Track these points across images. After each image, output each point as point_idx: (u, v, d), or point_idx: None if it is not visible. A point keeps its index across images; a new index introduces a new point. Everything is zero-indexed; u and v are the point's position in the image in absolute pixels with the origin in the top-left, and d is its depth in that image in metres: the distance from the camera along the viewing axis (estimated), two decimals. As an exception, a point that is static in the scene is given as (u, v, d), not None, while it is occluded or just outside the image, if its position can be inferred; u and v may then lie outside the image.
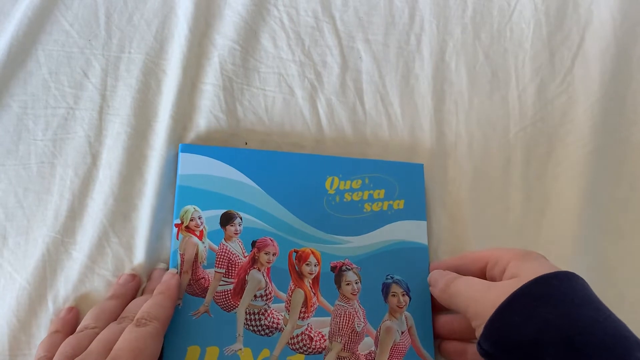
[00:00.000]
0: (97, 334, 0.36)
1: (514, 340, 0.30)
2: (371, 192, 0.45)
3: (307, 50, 0.51)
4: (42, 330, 0.42)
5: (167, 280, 0.41)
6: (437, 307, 0.43)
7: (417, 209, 0.45)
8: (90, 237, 0.44)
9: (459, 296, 0.36)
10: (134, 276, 0.43)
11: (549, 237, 0.46)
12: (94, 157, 0.47)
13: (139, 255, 0.45)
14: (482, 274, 0.38)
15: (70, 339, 0.37)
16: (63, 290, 0.43)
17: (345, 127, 0.50)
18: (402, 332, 0.42)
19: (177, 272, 0.43)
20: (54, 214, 0.45)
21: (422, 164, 0.46)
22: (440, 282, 0.39)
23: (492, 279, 0.37)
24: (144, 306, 0.38)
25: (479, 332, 0.33)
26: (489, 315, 0.32)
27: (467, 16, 0.51)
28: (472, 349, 0.38)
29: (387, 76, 0.50)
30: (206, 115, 0.49)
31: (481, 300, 0.33)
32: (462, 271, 0.39)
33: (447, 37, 0.51)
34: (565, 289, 0.32)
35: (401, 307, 0.42)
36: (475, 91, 0.50)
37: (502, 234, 0.47)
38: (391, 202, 0.45)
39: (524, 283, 0.32)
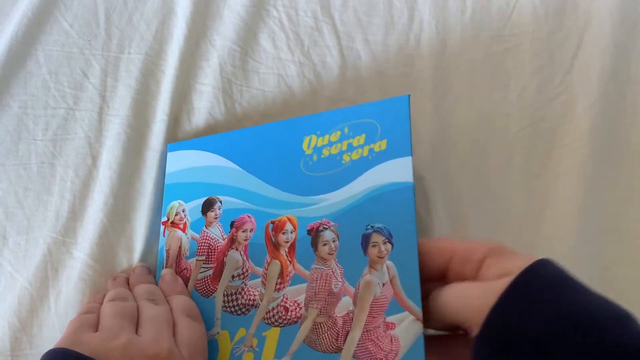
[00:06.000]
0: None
1: (516, 340, 0.29)
2: (350, 140, 0.41)
3: (306, 50, 0.51)
4: (44, 330, 0.43)
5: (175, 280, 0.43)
6: None
7: (401, 145, 0.40)
8: (91, 237, 0.45)
9: (452, 307, 0.34)
10: (148, 269, 0.45)
11: (549, 237, 0.46)
12: (94, 158, 0.48)
13: (139, 255, 0.45)
14: (444, 268, 0.36)
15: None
16: (65, 290, 0.43)
17: (345, 127, 0.50)
18: (384, 284, 0.37)
19: (174, 273, 0.43)
20: (55, 214, 0.46)
21: (408, 95, 0.40)
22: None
23: (461, 276, 0.35)
24: (186, 303, 0.40)
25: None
26: None
27: (466, 16, 0.51)
28: (456, 344, 0.37)
29: (387, 76, 0.50)
30: (205, 117, 0.49)
31: (484, 308, 0.31)
32: (421, 262, 0.37)
33: (446, 37, 0.51)
34: (551, 277, 0.31)
35: (382, 257, 0.38)
36: (474, 91, 0.49)
37: (502, 234, 0.47)
38: (372, 145, 0.40)
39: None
